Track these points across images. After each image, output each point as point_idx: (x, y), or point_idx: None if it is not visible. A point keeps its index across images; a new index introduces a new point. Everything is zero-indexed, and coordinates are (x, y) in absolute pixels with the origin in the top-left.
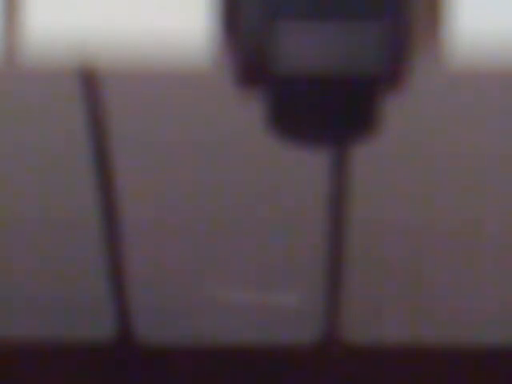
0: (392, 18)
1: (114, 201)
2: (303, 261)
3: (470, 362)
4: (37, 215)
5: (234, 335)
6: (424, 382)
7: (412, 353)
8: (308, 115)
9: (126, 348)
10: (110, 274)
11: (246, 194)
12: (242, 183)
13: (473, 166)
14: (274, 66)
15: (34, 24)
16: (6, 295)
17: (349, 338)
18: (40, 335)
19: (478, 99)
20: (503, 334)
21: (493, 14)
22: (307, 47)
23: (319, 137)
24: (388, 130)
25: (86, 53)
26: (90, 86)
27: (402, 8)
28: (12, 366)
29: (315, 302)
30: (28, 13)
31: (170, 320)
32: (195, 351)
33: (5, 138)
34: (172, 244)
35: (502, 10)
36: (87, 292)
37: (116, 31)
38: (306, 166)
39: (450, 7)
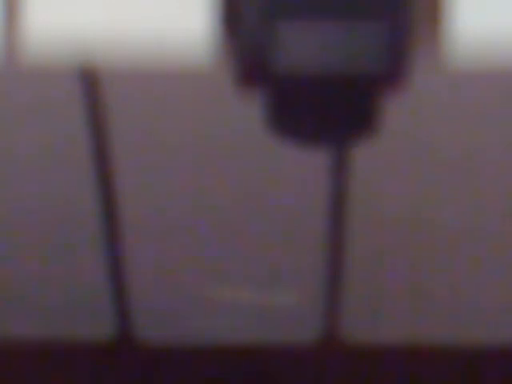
0: (392, 18)
1: (114, 200)
2: (303, 261)
3: (470, 361)
4: (37, 215)
5: (234, 335)
6: (424, 382)
7: (412, 353)
8: (308, 115)
9: (126, 348)
10: (110, 274)
11: (245, 194)
12: (242, 183)
13: (473, 166)
14: (274, 66)
15: (34, 24)
16: (7, 295)
17: (349, 337)
18: (40, 335)
19: (478, 99)
20: (503, 333)
21: (493, 13)
22: (307, 47)
23: (319, 137)
24: (388, 129)
25: (86, 53)
26: (90, 85)
27: (401, 8)
28: (12, 366)
29: (315, 302)
30: (28, 13)
31: (170, 320)
32: (195, 351)
33: (5, 138)
34: (172, 244)
35: (502, 10)
36: (87, 292)
37: (116, 31)
38: (305, 166)
39: (450, 7)
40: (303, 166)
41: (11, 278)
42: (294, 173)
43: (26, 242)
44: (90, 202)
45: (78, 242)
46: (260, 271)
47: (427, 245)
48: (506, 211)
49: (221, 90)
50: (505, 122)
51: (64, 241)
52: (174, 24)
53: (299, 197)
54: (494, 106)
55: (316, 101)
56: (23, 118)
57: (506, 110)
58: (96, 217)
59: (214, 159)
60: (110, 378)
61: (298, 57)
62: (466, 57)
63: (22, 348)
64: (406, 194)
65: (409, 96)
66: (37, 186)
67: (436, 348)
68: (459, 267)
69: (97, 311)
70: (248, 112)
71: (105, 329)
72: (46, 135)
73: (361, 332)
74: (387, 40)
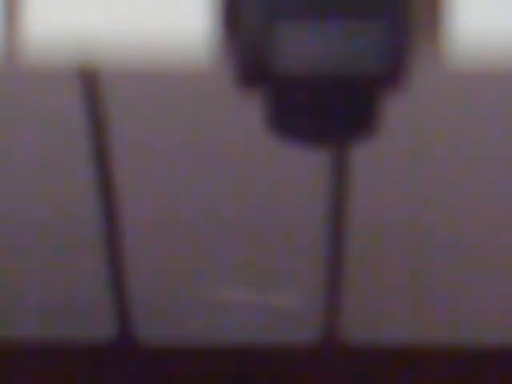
0: (392, 17)
1: (114, 201)
2: (303, 261)
3: (470, 362)
4: (37, 215)
5: (234, 335)
6: (424, 382)
7: (412, 353)
8: (308, 115)
9: (125, 348)
10: (110, 274)
11: (245, 194)
12: (242, 183)
13: (472, 166)
14: (274, 66)
15: (34, 24)
16: (7, 295)
17: (349, 337)
18: (40, 335)
19: (478, 99)
20: (503, 333)
21: (493, 14)
22: (307, 47)
23: (319, 137)
24: (388, 129)
25: (86, 53)
26: (90, 85)
27: (402, 8)
28: (12, 366)
29: (315, 302)
30: (28, 13)
31: (170, 320)
32: (195, 351)
33: (5, 138)
34: (172, 244)
35: (502, 11)
36: (87, 292)
37: (116, 31)
38: (305, 166)
39: (450, 7)
40: (303, 166)
41: (11, 278)
42: (293, 173)
43: (26, 242)
44: (89, 202)
45: (78, 242)
46: (260, 272)
47: (427, 245)
48: (507, 212)
49: (221, 90)
50: (505, 122)
51: (64, 241)
52: (174, 24)
53: (299, 197)
54: (494, 106)
55: (316, 101)
56: (23, 118)
57: (506, 110)
58: (96, 217)
59: (213, 159)
60: (110, 378)
61: (298, 57)
62: (466, 57)
63: (22, 348)
64: (405, 194)
65: (409, 96)
66: (36, 186)
67: (436, 348)
68: (459, 267)
69: (97, 311)
70: (248, 112)
71: (105, 329)
72: (46, 135)
73: (361, 332)
74: (387, 40)
